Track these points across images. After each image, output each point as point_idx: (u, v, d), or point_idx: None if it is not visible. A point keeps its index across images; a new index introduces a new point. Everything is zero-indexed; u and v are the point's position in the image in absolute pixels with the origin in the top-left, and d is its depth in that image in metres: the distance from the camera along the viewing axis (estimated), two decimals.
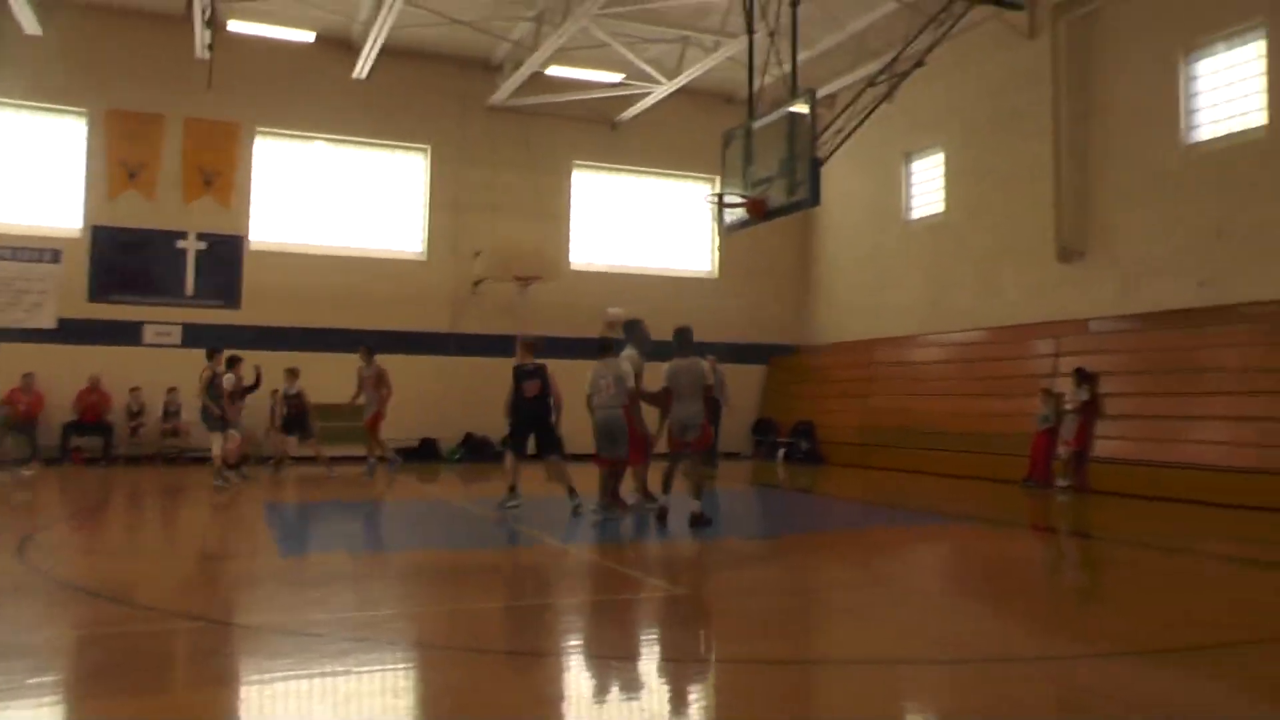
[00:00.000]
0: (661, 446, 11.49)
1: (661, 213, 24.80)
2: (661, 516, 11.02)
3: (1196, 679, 5.56)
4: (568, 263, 23.18)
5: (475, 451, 21.87)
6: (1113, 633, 6.61)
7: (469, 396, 21.76)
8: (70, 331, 18.57)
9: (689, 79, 20.90)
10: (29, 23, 18.29)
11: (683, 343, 11.34)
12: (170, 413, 19.51)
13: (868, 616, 7.11)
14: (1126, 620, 7.05)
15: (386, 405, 17.40)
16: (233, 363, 16.23)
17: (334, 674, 5.38)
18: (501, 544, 10.53)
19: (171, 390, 19.34)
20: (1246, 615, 7.22)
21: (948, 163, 21.23)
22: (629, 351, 11.99)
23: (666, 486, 11.24)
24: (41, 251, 19.05)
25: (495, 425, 21.68)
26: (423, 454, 21.58)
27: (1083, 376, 16.07)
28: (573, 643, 6.57)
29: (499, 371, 21.68)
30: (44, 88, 19.80)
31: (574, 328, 21.70)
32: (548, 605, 7.55)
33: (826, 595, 7.98)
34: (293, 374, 17.29)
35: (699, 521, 10.74)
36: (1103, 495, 15.05)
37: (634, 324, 12.52)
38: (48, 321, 18.77)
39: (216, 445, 15.08)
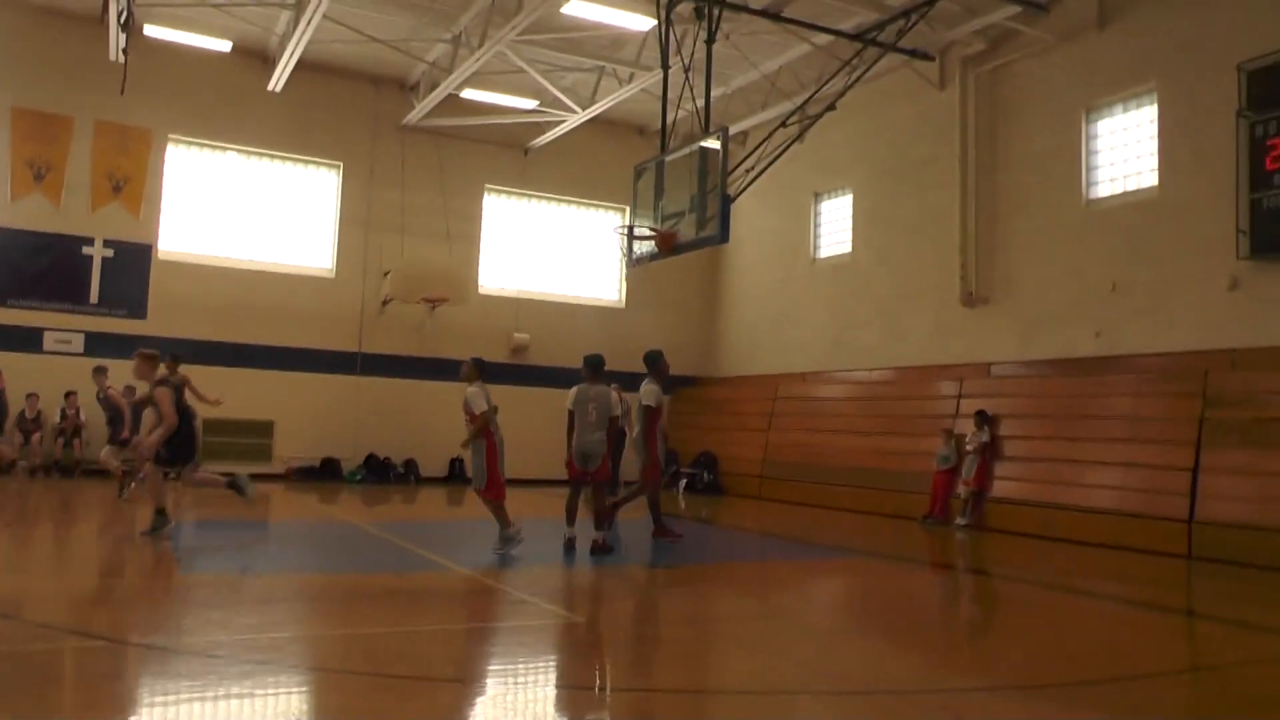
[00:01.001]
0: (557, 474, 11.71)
1: (571, 240, 24.91)
2: (569, 547, 11.08)
3: (1077, 712, 5.77)
4: (477, 286, 23.13)
5: (376, 472, 21.67)
6: (1001, 666, 6.85)
7: (373, 417, 21.69)
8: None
9: (603, 109, 21.10)
10: None
11: (592, 370, 11.40)
12: (69, 422, 18.93)
13: (764, 648, 7.25)
14: (1015, 654, 7.30)
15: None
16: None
17: (236, 696, 5.34)
18: (402, 568, 10.46)
19: (70, 394, 18.77)
20: (1127, 651, 7.52)
21: (856, 204, 21.70)
22: (650, 385, 12.71)
23: (570, 518, 11.33)
24: None
25: (397, 447, 21.80)
26: (324, 473, 21.33)
27: (983, 419, 16.50)
28: (470, 668, 6.58)
29: (404, 392, 21.91)
30: None
31: (482, 350, 21.55)
32: (446, 630, 7.55)
33: (724, 626, 8.10)
34: (101, 373, 16.13)
35: (599, 549, 10.91)
36: (999, 533, 15.48)
37: (655, 356, 13.22)
38: None
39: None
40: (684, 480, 22.84)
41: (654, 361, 12.98)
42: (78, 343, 19.40)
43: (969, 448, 16.48)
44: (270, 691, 5.49)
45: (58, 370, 18.96)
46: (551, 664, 6.65)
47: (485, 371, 11.21)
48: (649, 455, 12.49)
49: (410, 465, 22.04)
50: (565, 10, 16.71)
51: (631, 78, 19.73)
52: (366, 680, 5.81)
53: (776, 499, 20.42)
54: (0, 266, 19.29)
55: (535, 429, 18.15)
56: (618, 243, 17.45)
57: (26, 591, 8.42)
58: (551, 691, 5.96)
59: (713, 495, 22.00)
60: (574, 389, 11.33)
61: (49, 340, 19.15)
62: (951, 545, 14.68)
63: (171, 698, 5.36)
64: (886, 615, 9.07)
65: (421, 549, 11.76)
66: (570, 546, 11.06)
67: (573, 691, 6.06)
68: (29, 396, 18.60)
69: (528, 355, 23.26)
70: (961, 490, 16.43)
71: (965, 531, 15.85)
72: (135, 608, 7.88)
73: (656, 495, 12.81)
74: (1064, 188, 17.10)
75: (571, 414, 11.20)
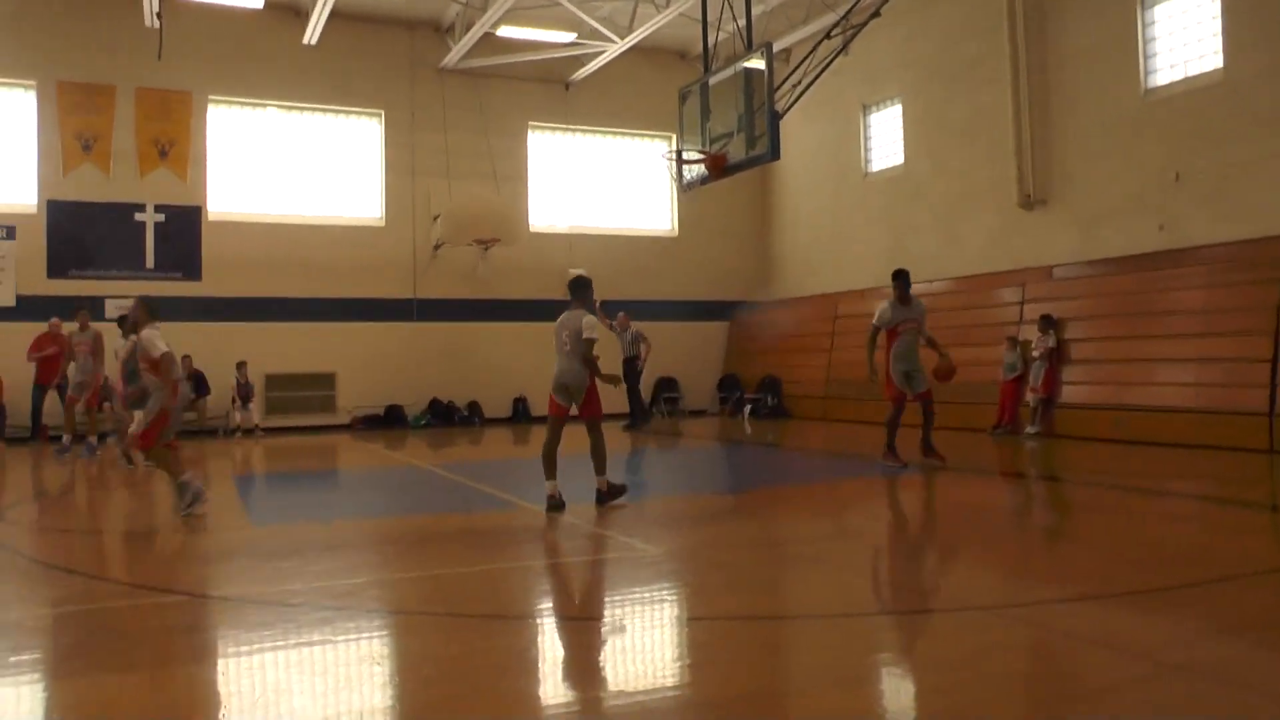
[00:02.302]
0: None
1: (620, 172, 24.66)
2: (554, 506, 9.26)
3: (1171, 618, 5.62)
4: (527, 225, 23.01)
5: (440, 416, 21.83)
6: (1086, 575, 6.68)
7: (433, 362, 21.80)
8: (30, 308, 18.27)
9: (641, 36, 20.70)
10: None
11: (571, 293, 9.75)
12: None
13: (840, 569, 7.16)
14: (1099, 562, 7.14)
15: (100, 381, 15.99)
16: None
17: (315, 643, 5.36)
18: (473, 508, 10.48)
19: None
20: (1215, 553, 7.33)
21: (906, 113, 21.22)
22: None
23: (550, 467, 9.43)
24: None
25: (460, 390, 21.92)
26: (388, 420, 21.52)
27: (1048, 323, 16.21)
28: (549, 604, 6.57)
29: (462, 336, 21.97)
30: None
31: (536, 289, 21.71)
32: (523, 568, 7.54)
33: (798, 549, 8.00)
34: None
35: (609, 494, 9.52)
36: (1070, 440, 15.24)
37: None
38: (6, 299, 18.76)
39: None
40: (748, 405, 22.75)
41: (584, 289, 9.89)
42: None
43: (1035, 354, 16.23)
44: (350, 636, 5.49)
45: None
46: (631, 596, 6.61)
47: (156, 313, 9.87)
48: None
49: (474, 407, 22.18)
50: None
51: (669, 2, 19.33)
52: (447, 620, 5.81)
53: (842, 419, 20.29)
54: (59, 238, 19.61)
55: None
56: (667, 168, 17.23)
57: (105, 551, 8.59)
58: (634, 624, 5.91)
59: (778, 419, 21.92)
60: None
61: (110, 308, 19.35)
62: (1023, 454, 14.48)
63: (252, 647, 5.39)
64: (962, 529, 8.94)
65: (491, 488, 11.78)
66: (555, 503, 9.27)
67: (655, 623, 6.02)
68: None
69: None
70: (1030, 398, 16.20)
71: (1036, 439, 15.66)
72: (209, 562, 7.96)
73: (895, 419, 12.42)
74: (1120, 78, 16.52)
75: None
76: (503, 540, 8.56)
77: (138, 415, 14.05)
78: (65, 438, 15.91)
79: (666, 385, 23.93)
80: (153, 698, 4.57)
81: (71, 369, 16.23)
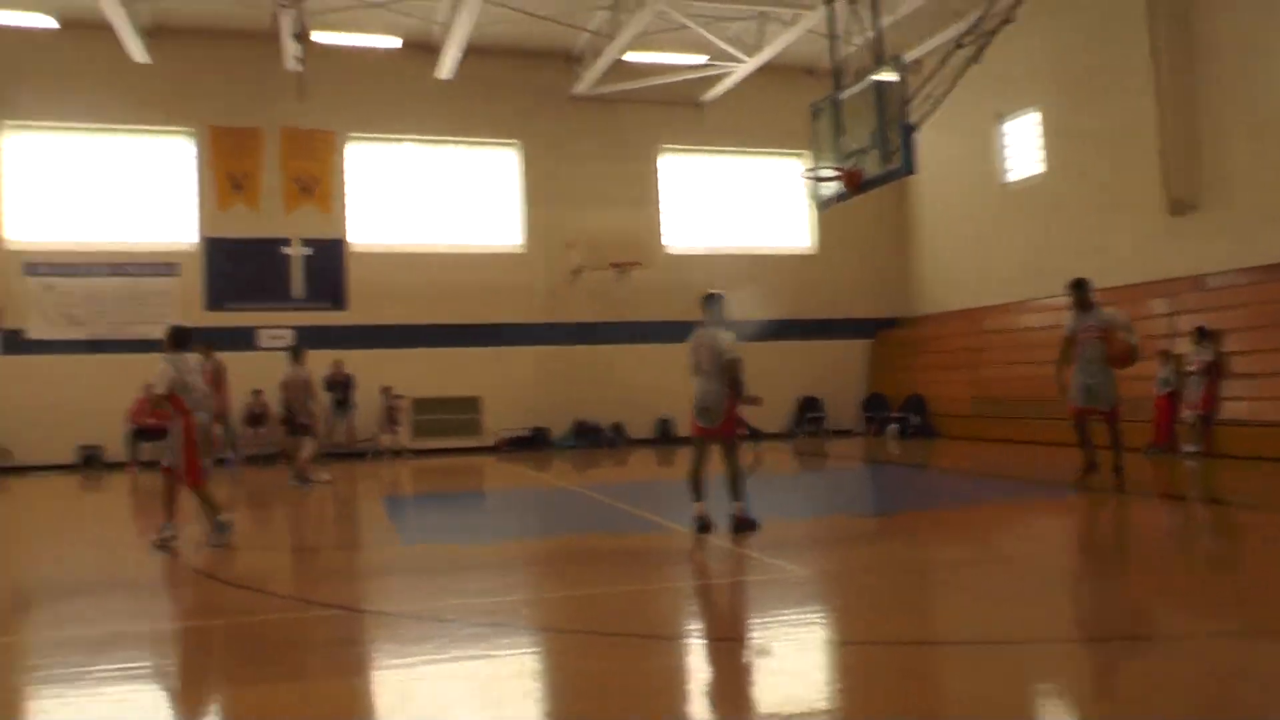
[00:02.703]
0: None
1: (755, 190, 24.61)
2: (703, 527, 9.05)
3: None
4: (662, 246, 23.16)
5: (585, 438, 22.06)
6: (1258, 606, 6.31)
7: (577, 384, 22.06)
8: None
9: (770, 54, 20.64)
10: (138, 52, 19.19)
11: (705, 310, 9.56)
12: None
13: (993, 595, 6.89)
14: (1272, 592, 6.75)
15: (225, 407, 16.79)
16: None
17: (471, 658, 5.45)
18: (620, 528, 10.51)
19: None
20: None
21: (1044, 120, 20.67)
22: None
23: (696, 488, 9.26)
24: (160, 265, 20.47)
25: (604, 411, 22.11)
26: (533, 442, 21.85)
27: (1204, 335, 15.47)
28: (697, 625, 6.55)
29: (604, 358, 22.17)
30: (153, 110, 20.68)
31: (674, 311, 21.70)
32: (672, 588, 7.53)
33: (949, 573, 7.78)
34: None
35: (742, 525, 9.06)
36: (1233, 460, 14.47)
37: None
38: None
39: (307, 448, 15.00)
40: (893, 425, 22.39)
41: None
42: (289, 338, 20.36)
43: (1190, 368, 15.49)
44: (504, 652, 5.57)
45: (273, 365, 19.87)
46: (779, 619, 6.53)
47: (184, 341, 9.68)
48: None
49: (617, 429, 22.37)
50: None
51: (795, 19, 19.25)
52: (596, 639, 5.84)
53: (990, 438, 19.72)
54: (214, 273, 20.69)
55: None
56: (804, 187, 17.13)
57: (267, 567, 8.90)
58: (783, 646, 5.85)
59: (924, 438, 21.49)
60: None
61: (262, 338, 20.18)
62: (1182, 475, 13.84)
63: (409, 660, 5.52)
64: (1120, 555, 8.60)
65: (637, 509, 11.82)
66: (703, 524, 9.04)
67: (804, 646, 5.94)
68: (255, 393, 19.56)
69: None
70: (1186, 415, 15.47)
71: (1195, 459, 14.90)
72: (366, 578, 8.18)
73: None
74: (1275, 67, 15.67)
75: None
76: (650, 561, 8.57)
77: (307, 441, 14.70)
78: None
79: (809, 405, 23.71)
80: (320, 707, 4.74)
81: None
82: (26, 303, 19.76)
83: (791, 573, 7.69)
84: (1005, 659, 5.25)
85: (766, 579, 7.72)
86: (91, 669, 5.42)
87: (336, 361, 19.09)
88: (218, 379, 16.34)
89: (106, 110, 20.52)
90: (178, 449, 9.35)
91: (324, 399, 16.51)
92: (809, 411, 23.70)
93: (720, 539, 8.89)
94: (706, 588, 7.66)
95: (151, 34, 19.81)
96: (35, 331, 19.56)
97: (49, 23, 18.70)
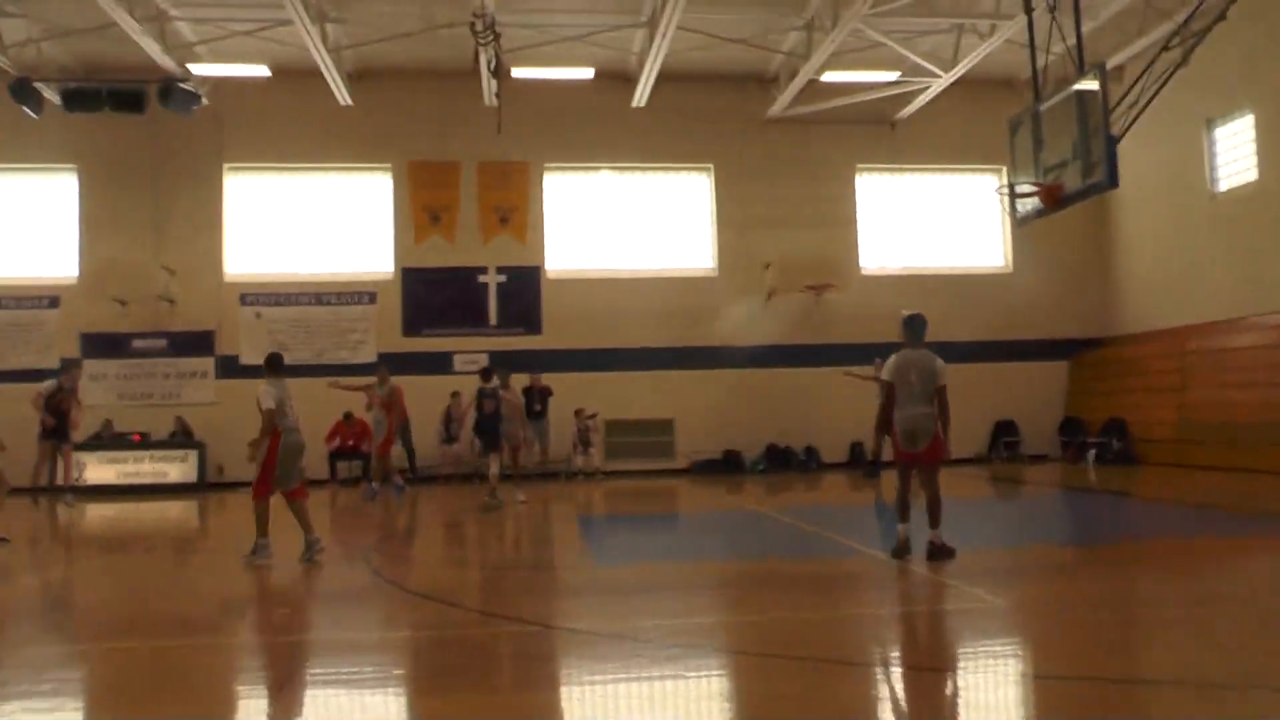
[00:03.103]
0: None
1: (949, 208, 24.07)
2: (900, 552, 9.10)
3: None
4: (857, 268, 22.95)
5: (777, 461, 21.97)
6: None
7: (769, 407, 22.00)
8: (390, 363, 19.79)
9: (966, 68, 20.18)
10: (342, 95, 20.42)
11: (912, 333, 9.53)
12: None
13: (1207, 633, 6.53)
14: None
15: (394, 430, 17.58)
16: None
17: (663, 678, 5.54)
18: (813, 553, 10.43)
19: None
20: None
21: (1258, 124, 19.49)
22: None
23: (904, 511, 9.21)
24: (360, 295, 21.71)
25: (796, 434, 21.98)
26: (726, 466, 21.89)
27: None
28: (893, 652, 6.46)
29: (798, 381, 22.05)
30: (356, 149, 21.97)
31: (869, 333, 21.51)
32: (866, 614, 7.45)
33: (1157, 610, 7.42)
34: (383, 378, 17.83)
35: (939, 553, 8.94)
36: None
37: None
38: (368, 356, 21.04)
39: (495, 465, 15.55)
40: (1092, 450, 21.48)
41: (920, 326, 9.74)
42: (483, 362, 20.97)
43: None
44: (696, 674, 5.63)
45: (467, 387, 20.60)
46: (977, 649, 6.38)
47: (278, 368, 10.41)
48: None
49: (810, 452, 22.20)
50: None
51: (992, 30, 18.79)
52: (790, 664, 5.82)
53: (1198, 464, 18.59)
54: (412, 302, 21.75)
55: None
56: (1000, 203, 16.67)
57: (463, 582, 9.26)
58: (981, 677, 5.71)
59: (1125, 465, 20.50)
60: (892, 358, 9.54)
61: (458, 362, 20.92)
62: None
63: (604, 678, 5.65)
64: None
65: (830, 533, 11.71)
66: (902, 548, 9.08)
67: (1002, 678, 5.79)
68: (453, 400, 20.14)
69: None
70: None
71: None
72: (559, 597, 8.38)
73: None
74: None
75: (891, 386, 9.42)
76: (844, 586, 8.50)
77: (493, 458, 15.23)
78: (374, 483, 17.57)
79: (1004, 429, 22.98)
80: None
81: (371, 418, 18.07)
82: (241, 331, 21.31)
83: (990, 603, 7.49)
84: (1222, 702, 4.99)
85: (963, 608, 7.55)
86: (300, 672, 5.75)
87: (535, 377, 19.51)
88: (393, 403, 17.46)
89: (313, 150, 21.92)
90: (258, 464, 9.91)
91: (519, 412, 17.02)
92: (1004, 436, 22.96)
93: (917, 565, 8.73)
94: (901, 615, 7.55)
95: (355, 77, 21.15)
96: (247, 357, 20.85)
97: (263, 71, 20.07)
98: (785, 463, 21.92)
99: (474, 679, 5.63)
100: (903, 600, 8.03)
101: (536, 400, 19.19)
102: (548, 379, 19.94)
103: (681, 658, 5.87)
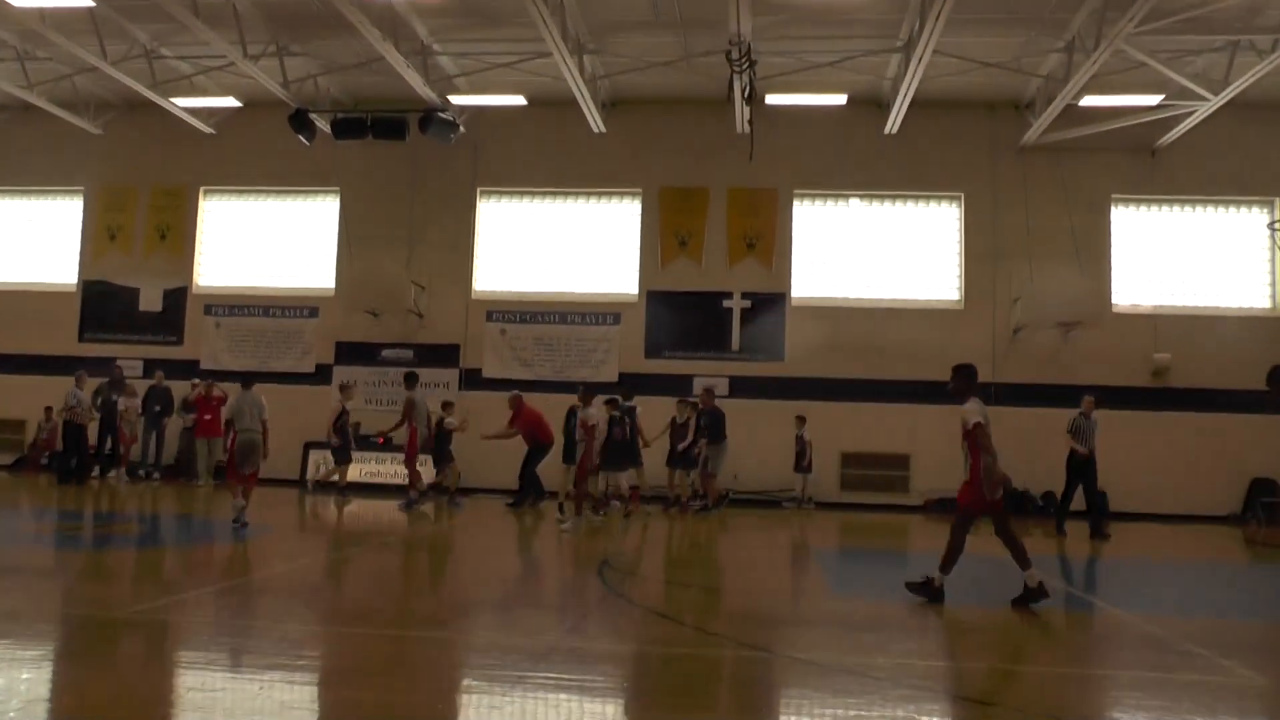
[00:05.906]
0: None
1: (1210, 243, 22.45)
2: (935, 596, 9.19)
3: None
4: (1109, 305, 21.71)
5: (1014, 505, 20.91)
6: None
7: (1012, 448, 20.92)
8: (627, 384, 20.18)
9: (1239, 89, 18.73)
10: (596, 124, 21.32)
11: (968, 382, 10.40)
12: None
13: None
14: None
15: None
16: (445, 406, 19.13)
17: (897, 718, 5.47)
18: (1051, 603, 9.89)
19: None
20: None
21: None
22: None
23: (1021, 557, 9.47)
24: (604, 315, 22.46)
25: (1036, 478, 20.91)
26: None
27: None
28: (1132, 716, 6.09)
29: (1042, 422, 20.91)
30: (608, 175, 22.81)
31: (1119, 375, 20.55)
32: (1108, 676, 7.07)
33: None
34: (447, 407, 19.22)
35: (1033, 596, 9.02)
36: None
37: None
38: (610, 375, 21.75)
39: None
40: None
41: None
42: (723, 386, 21.26)
43: None
44: (929, 719, 5.54)
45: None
46: None
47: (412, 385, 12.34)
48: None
49: (1049, 497, 21.07)
50: None
51: (1275, 46, 17.40)
52: (1020, 718, 5.64)
53: None
54: (657, 324, 22.29)
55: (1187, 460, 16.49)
56: (1271, 239, 15.60)
57: (690, 602, 9.42)
58: None
59: None
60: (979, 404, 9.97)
61: (697, 385, 21.09)
62: None
63: (835, 713, 5.64)
64: None
65: (1072, 587, 11.22)
66: (933, 592, 9.23)
67: None
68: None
69: (1168, 377, 21.40)
70: None
71: None
72: (789, 624, 8.40)
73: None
74: None
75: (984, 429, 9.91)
76: (1084, 642, 8.24)
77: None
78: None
79: (1263, 487, 20.74)
80: None
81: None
82: (485, 345, 22.50)
83: (1246, 678, 6.92)
84: None
85: (1215, 680, 6.89)
86: (530, 675, 6.03)
87: (707, 389, 19.42)
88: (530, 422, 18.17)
89: (564, 175, 22.88)
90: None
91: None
92: (1261, 495, 20.76)
93: (1159, 628, 8.26)
94: (1141, 680, 6.93)
95: (608, 105, 21.95)
96: (489, 370, 22.07)
97: (519, 101, 21.12)
98: (1019, 508, 20.72)
99: (699, 698, 5.78)
100: (1136, 663, 7.43)
101: (707, 417, 18.46)
102: (793, 406, 19.94)
103: (917, 699, 5.79)
